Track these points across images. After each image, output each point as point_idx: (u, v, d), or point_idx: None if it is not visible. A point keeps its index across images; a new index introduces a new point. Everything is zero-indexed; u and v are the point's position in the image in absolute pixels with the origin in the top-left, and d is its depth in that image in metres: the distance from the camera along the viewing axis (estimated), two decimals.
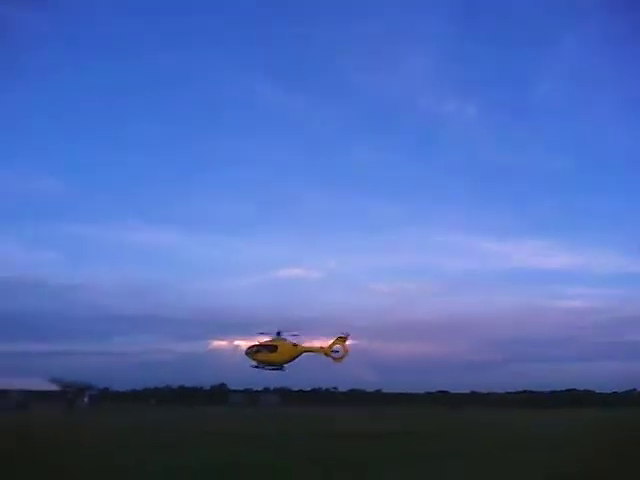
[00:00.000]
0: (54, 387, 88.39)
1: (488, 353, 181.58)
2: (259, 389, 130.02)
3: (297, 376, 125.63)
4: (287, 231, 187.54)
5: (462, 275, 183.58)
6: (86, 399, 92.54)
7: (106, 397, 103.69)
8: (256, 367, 47.24)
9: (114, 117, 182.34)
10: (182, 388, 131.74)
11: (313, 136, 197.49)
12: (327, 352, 46.13)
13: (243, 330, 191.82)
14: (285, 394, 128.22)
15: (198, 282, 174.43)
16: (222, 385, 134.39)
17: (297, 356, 46.90)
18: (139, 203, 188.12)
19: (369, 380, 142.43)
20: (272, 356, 46.53)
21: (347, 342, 46.39)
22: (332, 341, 46.23)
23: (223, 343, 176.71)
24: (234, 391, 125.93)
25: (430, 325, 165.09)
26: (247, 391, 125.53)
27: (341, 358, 46.05)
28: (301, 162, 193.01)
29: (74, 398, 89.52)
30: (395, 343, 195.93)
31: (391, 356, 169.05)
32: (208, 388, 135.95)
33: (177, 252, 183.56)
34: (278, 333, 46.63)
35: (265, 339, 46.66)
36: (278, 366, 47.27)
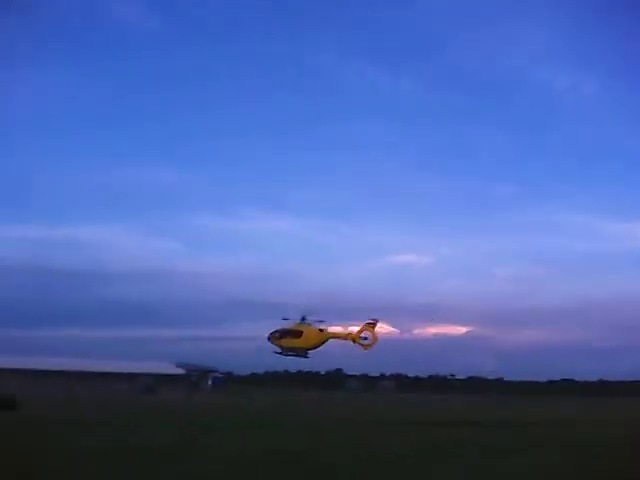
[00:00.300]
0: (180, 371, 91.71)
1: (616, 339, 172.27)
2: (375, 375, 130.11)
3: (414, 363, 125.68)
4: (400, 216, 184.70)
5: (586, 258, 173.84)
6: (210, 382, 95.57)
7: (229, 380, 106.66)
8: (279, 354, 45.51)
9: (221, 104, 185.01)
10: (299, 372, 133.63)
11: (423, 118, 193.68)
12: (355, 339, 43.85)
13: (357, 315, 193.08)
14: (401, 380, 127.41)
15: (313, 268, 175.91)
16: (338, 370, 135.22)
17: (323, 342, 44.98)
18: (252, 192, 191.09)
19: (489, 367, 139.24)
20: (297, 342, 44.46)
21: (376, 329, 44.08)
22: (360, 327, 44.16)
23: (338, 328, 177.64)
24: (350, 376, 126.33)
25: (553, 310, 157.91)
26: (363, 376, 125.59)
27: (370, 345, 43.73)
28: (412, 145, 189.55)
29: (198, 381, 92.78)
30: (516, 329, 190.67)
31: (512, 343, 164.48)
32: (324, 373, 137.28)
33: (292, 239, 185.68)
34: (302, 318, 44.50)
35: (289, 325, 44.76)
36: (303, 353, 45.42)
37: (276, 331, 44.85)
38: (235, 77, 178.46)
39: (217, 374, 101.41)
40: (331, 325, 43.81)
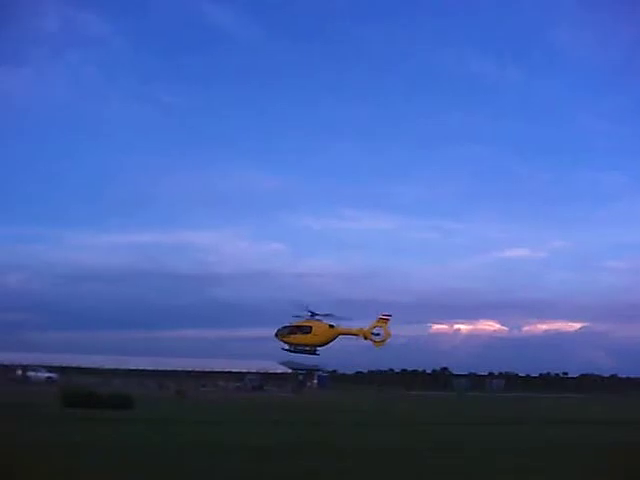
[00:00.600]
0: (285, 369, 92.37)
1: None
2: (483, 373, 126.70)
3: (524, 361, 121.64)
4: (506, 210, 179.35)
5: None
6: (315, 380, 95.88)
7: (333, 379, 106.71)
8: (288, 350, 44.69)
9: (319, 103, 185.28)
10: (404, 371, 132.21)
11: (527, 108, 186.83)
12: (367, 335, 42.98)
13: (464, 313, 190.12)
14: (511, 379, 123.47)
15: (417, 266, 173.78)
16: (444, 369, 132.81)
17: (333, 338, 44.02)
18: (352, 191, 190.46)
19: (603, 364, 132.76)
20: (306, 338, 43.48)
21: (388, 324, 42.84)
22: (373, 323, 43.06)
23: (444, 326, 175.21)
24: (457, 375, 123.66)
25: None
26: (471, 375, 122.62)
27: (382, 341, 42.79)
28: (520, 136, 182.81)
29: (304, 380, 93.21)
30: (631, 324, 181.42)
31: (629, 338, 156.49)
32: (430, 372, 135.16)
33: (395, 238, 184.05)
34: (312, 314, 43.60)
35: (298, 321, 43.92)
36: (312, 349, 44.51)
37: (285, 327, 44.02)
38: (335, 74, 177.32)
39: (322, 372, 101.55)
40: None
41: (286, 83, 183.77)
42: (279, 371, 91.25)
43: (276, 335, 44.15)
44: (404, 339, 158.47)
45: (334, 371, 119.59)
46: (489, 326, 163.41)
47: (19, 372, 72.49)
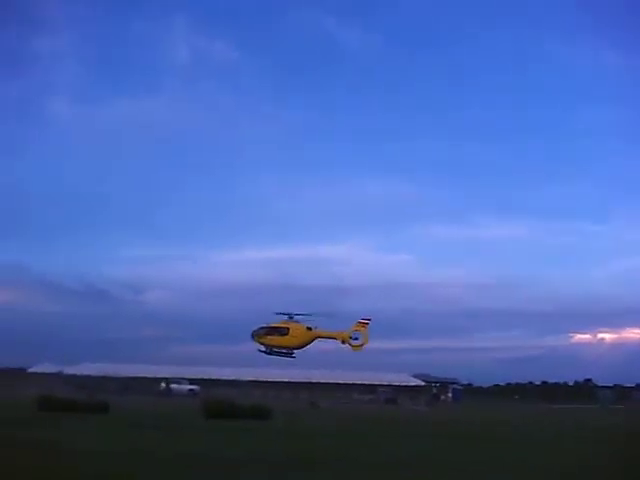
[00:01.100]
0: (419, 382, 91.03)
1: None
2: (630, 385, 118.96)
3: None
4: None
5: None
6: (450, 394, 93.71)
7: (469, 392, 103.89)
8: (264, 352, 43.17)
9: (447, 106, 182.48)
10: (545, 384, 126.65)
11: None
12: (345, 338, 41.69)
13: (608, 321, 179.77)
14: None
15: (556, 272, 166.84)
16: (587, 381, 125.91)
17: (310, 341, 42.80)
18: (482, 197, 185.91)
19: None
20: (283, 339, 42.26)
21: (367, 328, 41.57)
22: (352, 327, 41.72)
23: (586, 336, 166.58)
24: (601, 387, 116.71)
25: None
26: (616, 387, 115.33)
27: (360, 346, 41.50)
28: None
29: (438, 393, 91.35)
30: None
31: None
32: (572, 384, 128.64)
33: (531, 244, 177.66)
34: (290, 316, 42.40)
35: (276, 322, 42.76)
36: (289, 351, 43.26)
37: (261, 328, 42.98)
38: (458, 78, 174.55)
39: (457, 386, 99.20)
40: None
41: (407, 91, 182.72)
42: (412, 384, 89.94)
43: (252, 336, 43.22)
44: (543, 350, 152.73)
45: (469, 384, 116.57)
46: (635, 334, 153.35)
47: (163, 385, 75.77)
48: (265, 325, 43.25)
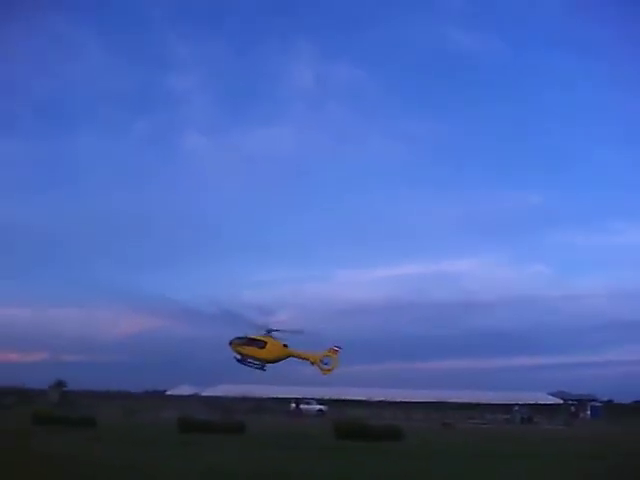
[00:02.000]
0: (556, 400, 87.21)
1: None
2: None
3: None
4: None
5: None
6: (588, 411, 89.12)
7: (609, 409, 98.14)
8: (239, 361, 44.52)
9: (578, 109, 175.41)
10: None
11: None
12: (316, 361, 44.12)
13: None
14: None
15: None
16: None
17: (284, 358, 44.70)
18: (620, 202, 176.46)
19: None
20: (259, 352, 43.97)
21: (337, 355, 44.06)
22: (324, 352, 44.25)
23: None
24: None
25: None
26: None
27: (329, 370, 44.03)
28: None
29: (577, 411, 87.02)
30: None
31: None
32: None
33: None
34: (268, 331, 44.47)
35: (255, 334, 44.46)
36: (261, 364, 44.61)
37: (241, 337, 44.48)
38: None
39: (596, 403, 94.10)
40: None
41: (530, 99, 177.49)
42: (549, 402, 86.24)
43: (230, 343, 44.67)
44: None
45: (610, 401, 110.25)
46: None
47: (293, 405, 76.95)
48: (245, 335, 44.89)
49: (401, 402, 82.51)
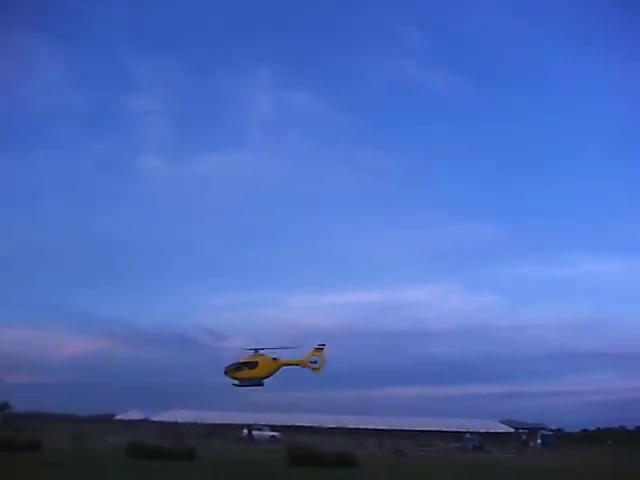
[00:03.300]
0: (506, 429, 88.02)
1: None
2: None
3: None
4: None
5: None
6: (539, 440, 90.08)
7: (558, 438, 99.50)
8: (237, 385, 46.76)
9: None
10: (639, 428, 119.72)
11: None
12: (305, 364, 45.81)
13: None
14: None
15: None
16: None
17: (277, 370, 46.63)
18: (575, 234, 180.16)
19: None
20: (254, 372, 46.12)
21: (323, 352, 45.83)
22: (310, 352, 45.84)
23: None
24: None
25: None
26: None
27: (319, 368, 45.61)
28: None
29: (528, 439, 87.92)
30: None
31: None
32: None
33: (623, 281, 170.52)
34: (255, 350, 46.62)
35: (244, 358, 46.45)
36: (258, 382, 46.76)
37: (232, 364, 46.39)
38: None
39: (546, 431, 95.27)
40: None
41: (489, 134, 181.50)
42: (500, 430, 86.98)
43: (225, 373, 46.60)
44: (637, 393, 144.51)
45: (559, 429, 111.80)
46: None
47: (245, 431, 75.98)
48: (235, 362, 46.72)
49: (354, 429, 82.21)
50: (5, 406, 75.23)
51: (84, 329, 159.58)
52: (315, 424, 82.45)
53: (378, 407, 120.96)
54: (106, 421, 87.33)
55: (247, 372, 46.54)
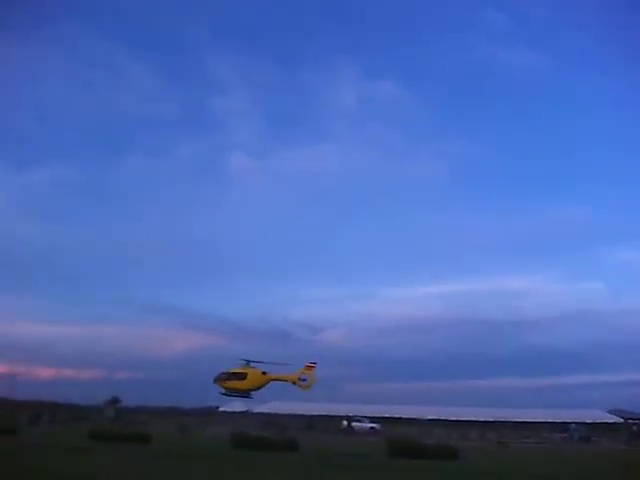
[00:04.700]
0: (615, 419, 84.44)
1: None
2: None
3: None
4: None
5: None
6: None
7: None
8: (225, 394, 48.61)
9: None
10: None
11: None
12: (295, 381, 46.70)
13: None
14: None
15: None
16: None
17: (265, 384, 47.90)
18: None
19: None
20: (241, 384, 47.30)
21: (313, 371, 46.42)
22: (300, 370, 46.58)
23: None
24: None
25: None
26: None
27: (308, 386, 46.37)
28: None
29: (638, 430, 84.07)
30: None
31: None
32: None
33: None
34: (247, 362, 47.63)
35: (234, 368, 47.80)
36: (246, 393, 48.33)
37: (223, 373, 48.12)
38: None
39: None
40: None
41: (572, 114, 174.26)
42: (608, 421, 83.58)
43: (215, 381, 48.27)
44: None
45: None
46: None
47: (344, 423, 76.47)
48: (226, 371, 48.40)
49: (454, 420, 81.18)
50: (115, 400, 78.79)
51: (187, 325, 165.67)
52: (414, 415, 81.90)
53: (478, 398, 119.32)
54: (210, 413, 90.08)
55: (236, 383, 48.15)
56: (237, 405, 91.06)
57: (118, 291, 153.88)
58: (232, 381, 48.38)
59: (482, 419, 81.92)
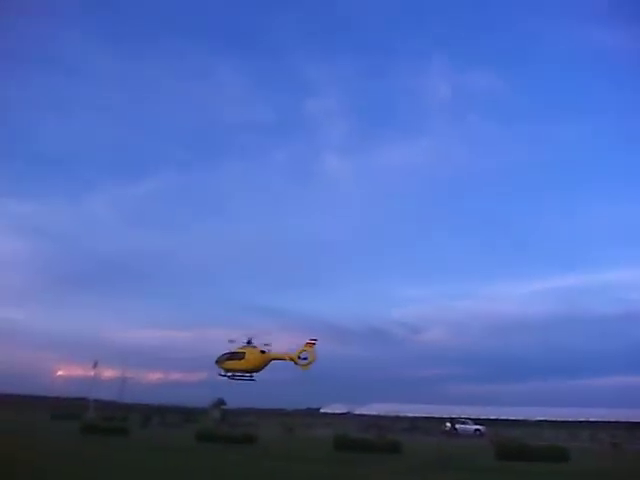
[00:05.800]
0: None
1: None
2: None
3: None
4: None
5: None
6: None
7: None
8: (225, 376, 46.85)
9: None
10: None
11: None
12: (294, 359, 45.77)
13: None
14: None
15: None
16: None
17: (265, 364, 46.75)
18: None
19: None
20: (240, 363, 46.25)
21: (314, 348, 45.38)
22: (301, 348, 45.51)
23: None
24: None
25: None
26: None
27: (308, 364, 45.35)
28: None
29: None
30: None
31: None
32: None
33: None
34: (248, 342, 46.73)
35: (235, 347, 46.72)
36: (248, 375, 46.86)
37: (223, 354, 47.14)
38: None
39: None
40: None
41: None
42: None
43: (216, 362, 47.39)
44: None
45: None
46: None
47: (448, 424, 75.22)
48: (227, 352, 47.57)
49: (562, 421, 78.33)
50: (220, 402, 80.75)
51: (287, 327, 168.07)
52: (520, 417, 79.68)
53: (589, 397, 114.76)
54: (312, 415, 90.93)
55: (235, 363, 47.42)
56: (338, 407, 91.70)
57: (221, 294, 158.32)
58: (231, 361, 47.72)
59: (592, 419, 78.65)
